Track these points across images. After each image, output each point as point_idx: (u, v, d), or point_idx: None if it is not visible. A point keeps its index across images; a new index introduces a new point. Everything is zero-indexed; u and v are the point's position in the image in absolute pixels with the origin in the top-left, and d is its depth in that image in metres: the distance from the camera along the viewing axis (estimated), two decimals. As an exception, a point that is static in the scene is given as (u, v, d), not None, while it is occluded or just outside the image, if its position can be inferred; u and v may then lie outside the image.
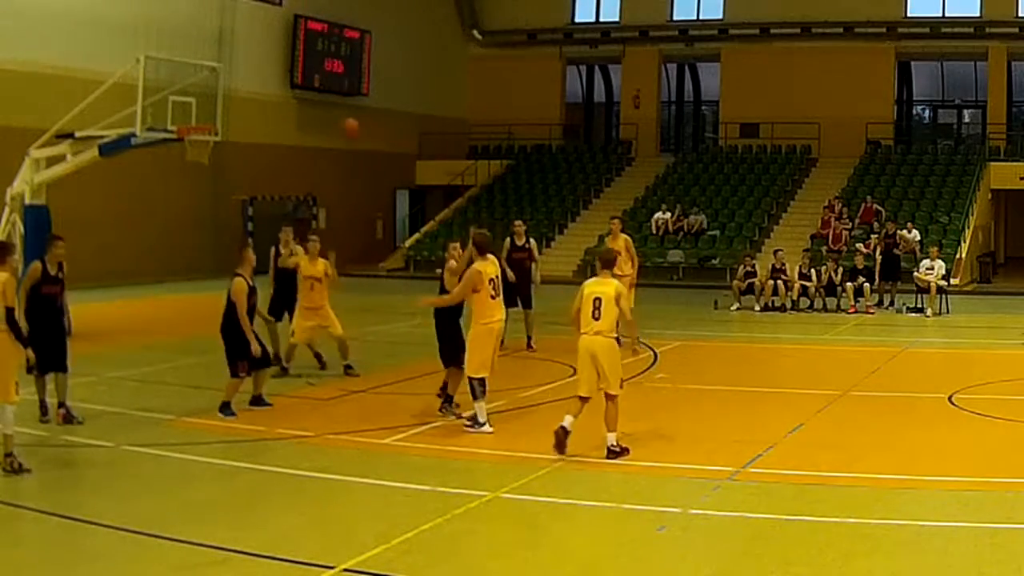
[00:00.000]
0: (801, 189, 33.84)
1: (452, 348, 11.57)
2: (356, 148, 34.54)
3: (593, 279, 10.33)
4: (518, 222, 17.13)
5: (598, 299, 10.04)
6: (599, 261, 10.62)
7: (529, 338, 16.35)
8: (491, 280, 10.97)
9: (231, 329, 11.59)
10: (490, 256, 11.19)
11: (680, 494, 8.79)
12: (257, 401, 11.98)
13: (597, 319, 9.99)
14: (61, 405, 11.23)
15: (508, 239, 16.60)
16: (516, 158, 38.31)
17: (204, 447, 10.30)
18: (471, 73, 39.52)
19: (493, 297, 10.97)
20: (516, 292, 15.85)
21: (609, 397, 9.95)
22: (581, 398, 10.01)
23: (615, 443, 9.91)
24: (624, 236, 17.03)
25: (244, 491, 9.10)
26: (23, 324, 9.92)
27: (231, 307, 11.60)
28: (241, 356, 11.55)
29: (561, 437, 9.86)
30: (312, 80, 33.33)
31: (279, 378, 13.42)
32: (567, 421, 9.92)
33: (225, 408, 11.62)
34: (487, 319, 10.96)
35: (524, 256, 16.47)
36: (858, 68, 34.97)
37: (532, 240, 16.86)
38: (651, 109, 38.97)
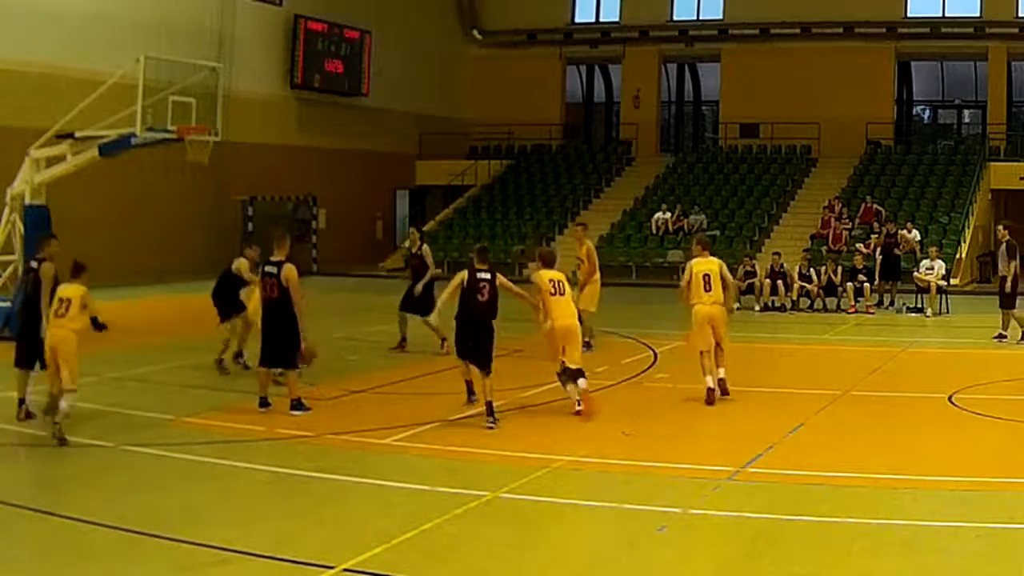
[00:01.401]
0: (801, 189, 33.83)
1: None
2: (356, 148, 34.65)
3: (697, 259, 12.62)
4: (412, 229, 17.27)
5: (707, 275, 12.42)
6: (699, 244, 12.95)
7: (443, 340, 15.55)
8: (551, 280, 11.89)
9: (286, 320, 11.51)
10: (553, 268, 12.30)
11: (680, 494, 8.77)
12: (264, 402, 11.98)
13: (709, 291, 12.40)
14: (22, 402, 11.36)
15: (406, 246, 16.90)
16: (516, 158, 38.31)
17: (204, 447, 10.29)
18: (471, 73, 39.51)
19: (552, 294, 11.83)
20: (410, 298, 16.09)
21: (720, 346, 12.49)
22: (703, 352, 12.42)
23: (724, 376, 12.52)
24: (587, 243, 17.16)
25: (244, 491, 9.10)
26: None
27: (285, 297, 11.49)
28: (296, 347, 11.55)
29: (716, 390, 12.37)
30: (312, 80, 33.34)
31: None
32: (717, 374, 12.45)
33: (299, 405, 11.66)
34: (551, 317, 11.82)
35: (416, 263, 16.43)
36: (858, 68, 34.96)
37: (426, 247, 16.55)
38: (651, 109, 38.98)
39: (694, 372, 14.18)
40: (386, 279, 30.63)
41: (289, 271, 11.57)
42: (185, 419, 11.49)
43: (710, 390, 12.34)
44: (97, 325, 11.35)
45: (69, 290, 11.03)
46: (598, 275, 16.88)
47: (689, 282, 12.48)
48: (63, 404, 10.52)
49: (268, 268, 11.78)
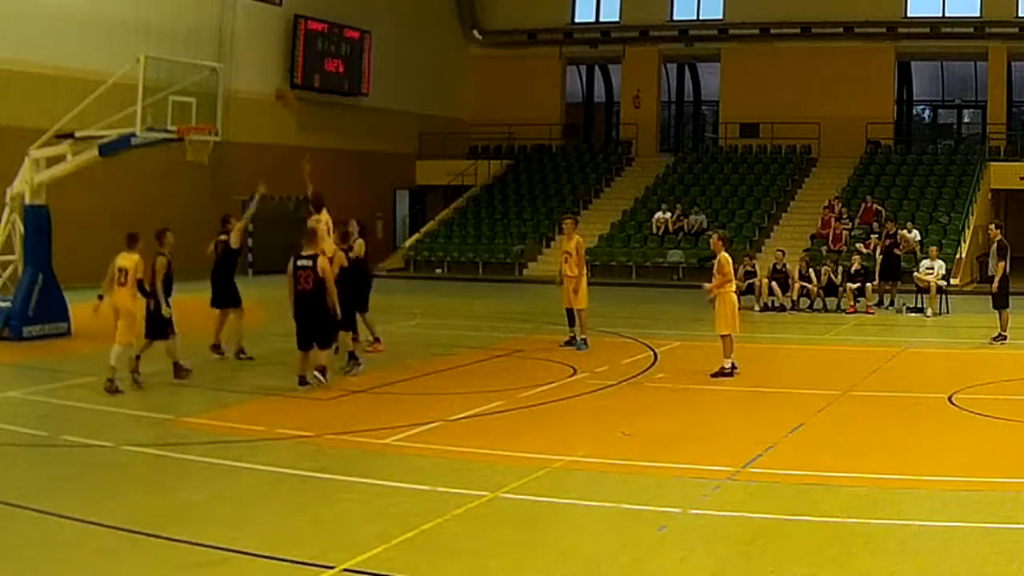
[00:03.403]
0: (801, 189, 33.84)
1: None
2: (356, 148, 34.64)
3: (724, 252, 14.25)
4: (352, 222, 16.91)
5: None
6: (721, 241, 14.44)
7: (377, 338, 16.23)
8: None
9: (321, 307, 12.78)
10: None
11: (680, 494, 8.77)
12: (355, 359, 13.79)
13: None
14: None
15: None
16: (516, 158, 38.32)
17: (204, 447, 10.29)
18: (471, 73, 39.52)
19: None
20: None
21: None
22: (731, 336, 14.11)
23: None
24: (577, 237, 16.81)
25: (244, 491, 9.09)
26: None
27: (320, 288, 12.73)
28: (330, 328, 13.12)
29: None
30: (312, 80, 33.34)
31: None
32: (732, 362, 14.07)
33: (323, 372, 13.04)
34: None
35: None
36: (858, 68, 34.98)
37: (360, 240, 15.99)
38: (651, 109, 38.99)
39: (694, 372, 14.22)
40: (386, 279, 30.63)
41: (324, 263, 12.96)
42: (185, 419, 11.49)
43: (726, 370, 14.05)
44: (143, 290, 13.37)
45: (125, 260, 13.00)
46: (586, 271, 16.81)
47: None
48: (112, 355, 12.61)
49: (302, 262, 12.88)
